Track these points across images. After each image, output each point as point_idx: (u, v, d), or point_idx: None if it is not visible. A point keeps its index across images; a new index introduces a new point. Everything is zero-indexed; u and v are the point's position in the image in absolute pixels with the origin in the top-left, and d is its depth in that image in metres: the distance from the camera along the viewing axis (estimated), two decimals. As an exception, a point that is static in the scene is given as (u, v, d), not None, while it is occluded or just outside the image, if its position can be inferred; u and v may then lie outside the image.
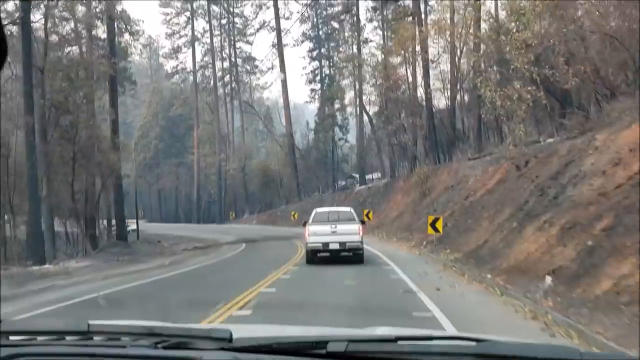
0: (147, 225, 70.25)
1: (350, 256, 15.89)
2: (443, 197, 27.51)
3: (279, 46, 58.88)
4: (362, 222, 17.76)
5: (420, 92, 40.05)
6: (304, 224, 17.38)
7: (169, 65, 76.68)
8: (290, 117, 58.17)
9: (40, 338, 1.62)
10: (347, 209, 19.25)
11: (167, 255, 28.04)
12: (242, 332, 1.68)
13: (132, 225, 58.36)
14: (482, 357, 1.36)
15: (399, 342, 1.52)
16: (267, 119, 73.04)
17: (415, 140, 40.37)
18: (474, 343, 1.47)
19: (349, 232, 15.77)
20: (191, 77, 73.85)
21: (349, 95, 55.66)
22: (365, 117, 52.06)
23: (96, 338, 1.60)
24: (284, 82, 58.20)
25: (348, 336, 1.60)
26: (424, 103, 38.21)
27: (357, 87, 52.76)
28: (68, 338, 1.61)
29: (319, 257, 16.21)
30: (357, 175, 59.00)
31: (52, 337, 1.62)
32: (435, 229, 19.41)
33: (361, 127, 55.86)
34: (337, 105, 58.92)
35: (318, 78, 66.63)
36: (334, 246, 15.56)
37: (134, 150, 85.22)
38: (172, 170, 79.30)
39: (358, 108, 54.74)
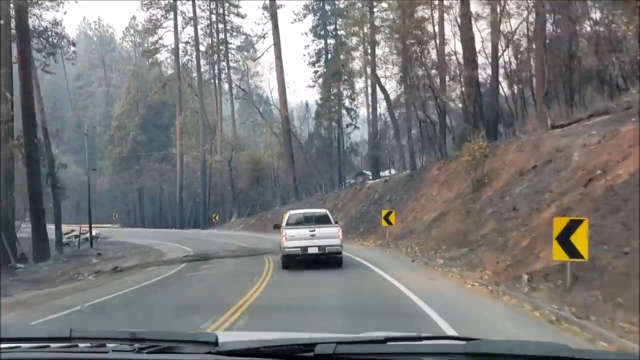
0: (119, 231, 59.57)
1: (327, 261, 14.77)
2: (520, 186, 15.84)
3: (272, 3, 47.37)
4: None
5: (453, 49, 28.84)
6: (275, 227, 17.99)
7: (148, 42, 65.37)
8: (285, 93, 46.64)
9: (24, 345, 1.58)
10: (323, 210, 18.31)
11: (65, 281, 17.87)
12: (229, 337, 1.64)
13: (93, 230, 46.25)
14: (472, 356, 1.31)
15: (388, 343, 1.48)
16: (260, 104, 61.45)
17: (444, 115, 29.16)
18: (463, 342, 1.42)
19: (329, 236, 14.79)
20: (173, 56, 62.51)
21: (359, 65, 44.10)
22: (380, 96, 40.67)
23: (80, 345, 1.57)
24: (277, 45, 46.70)
25: (336, 339, 1.53)
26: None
27: (369, 55, 41.25)
28: (52, 345, 1.57)
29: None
30: (369, 173, 47.48)
31: (36, 345, 1.58)
32: (571, 250, 7.86)
33: (374, 106, 44.26)
34: (344, 98, 47.52)
35: (323, 60, 54.86)
36: (313, 250, 14.52)
37: (110, 144, 74.79)
38: (153, 167, 68.07)
39: (370, 82, 43.16)
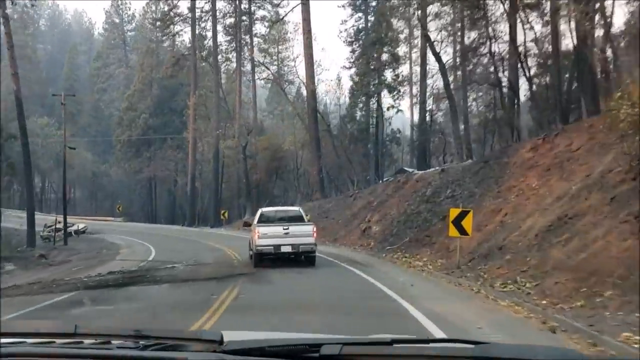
0: (120, 225, 51.74)
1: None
2: None
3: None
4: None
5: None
6: (245, 225, 17.33)
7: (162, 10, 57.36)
8: (313, 64, 37.53)
9: (29, 340, 1.58)
10: (296, 208, 18.15)
11: None
12: (233, 336, 1.62)
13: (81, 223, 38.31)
14: None
15: (395, 345, 1.47)
16: (285, 84, 52.46)
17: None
18: (471, 346, 1.42)
19: (303, 234, 14.55)
20: (189, 29, 54.22)
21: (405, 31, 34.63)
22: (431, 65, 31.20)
23: (85, 341, 1.57)
24: (306, 4, 37.63)
25: (342, 339, 1.52)
26: None
27: (418, 14, 31.72)
28: (57, 341, 1.58)
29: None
30: (411, 170, 38.01)
31: (41, 340, 1.59)
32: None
33: (424, 74, 34.73)
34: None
35: (362, 36, 45.29)
36: (286, 249, 14.33)
37: (119, 127, 67.18)
38: (166, 155, 60.01)
39: (420, 45, 33.69)
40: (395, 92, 41.96)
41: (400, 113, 43.14)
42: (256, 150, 44.47)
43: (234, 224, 42.05)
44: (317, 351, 1.41)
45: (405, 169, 41.47)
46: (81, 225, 41.57)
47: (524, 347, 1.46)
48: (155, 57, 63.45)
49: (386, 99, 42.45)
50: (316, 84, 39.43)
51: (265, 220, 15.46)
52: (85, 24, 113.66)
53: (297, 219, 15.68)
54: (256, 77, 54.11)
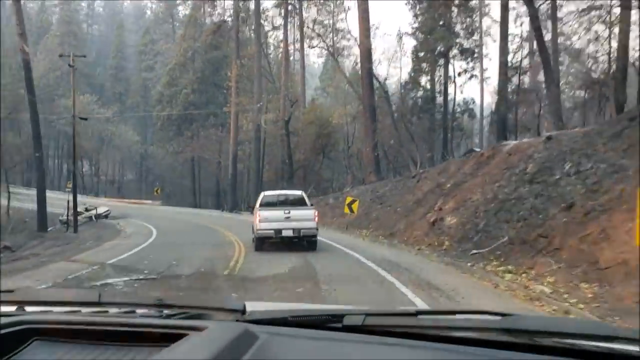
0: (155, 209, 47.01)
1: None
2: None
3: None
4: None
5: None
6: (249, 207, 17.91)
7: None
8: (368, 17, 30.66)
9: (56, 309, 1.60)
10: (298, 192, 17.01)
11: None
12: (256, 306, 1.61)
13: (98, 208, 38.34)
14: (508, 332, 1.25)
15: (419, 317, 1.44)
16: (339, 53, 45.64)
17: None
18: (498, 317, 1.39)
19: (304, 218, 14.35)
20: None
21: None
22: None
23: (109, 310, 1.59)
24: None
25: (365, 311, 1.49)
26: None
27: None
28: (82, 309, 1.60)
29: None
30: (478, 149, 30.63)
31: (67, 309, 1.61)
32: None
33: (504, 34, 27.20)
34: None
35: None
36: (287, 233, 14.20)
37: (159, 103, 62.41)
38: (209, 134, 54.74)
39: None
40: (468, 53, 34.45)
41: (474, 79, 35.50)
42: (301, 125, 38.09)
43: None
44: (340, 321, 1.40)
45: (476, 149, 34.16)
46: (103, 209, 36.75)
47: (553, 319, 1.15)
48: (199, 27, 58.20)
49: (457, 62, 34.99)
50: (372, 41, 32.42)
51: (267, 203, 15.18)
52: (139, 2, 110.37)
53: (299, 203, 15.38)
54: (305, 46, 47.76)
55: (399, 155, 36.71)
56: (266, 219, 14.20)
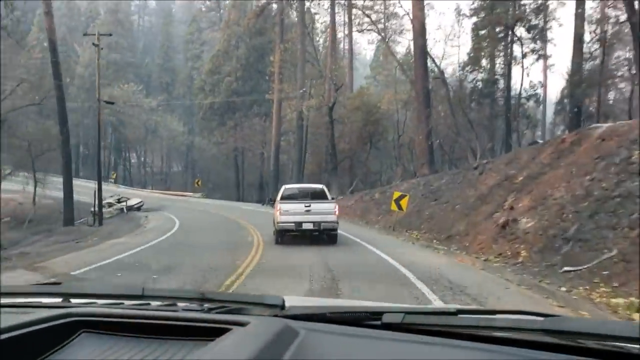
0: (195, 202, 44.88)
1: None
2: None
3: None
4: None
5: None
6: (269, 201, 17.14)
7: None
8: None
9: (100, 301, 1.64)
10: (319, 186, 16.86)
11: None
12: (296, 302, 1.63)
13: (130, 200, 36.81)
14: (550, 333, 1.23)
15: (460, 316, 1.42)
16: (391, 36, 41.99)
17: None
18: (541, 318, 1.35)
19: (325, 212, 14.25)
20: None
21: None
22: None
23: (152, 303, 1.63)
24: None
25: (404, 309, 1.50)
26: None
27: None
28: (125, 302, 1.64)
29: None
30: (541, 141, 26.47)
31: (111, 301, 1.64)
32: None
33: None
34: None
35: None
36: (307, 226, 14.17)
37: (201, 92, 60.18)
38: (253, 124, 52.29)
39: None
40: (537, 31, 30.22)
41: (539, 65, 31.17)
42: (347, 112, 34.83)
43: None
44: (379, 319, 1.40)
45: (538, 141, 29.97)
46: (135, 201, 34.82)
47: (597, 321, 1.42)
48: (243, 12, 55.70)
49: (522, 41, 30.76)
50: (427, 22, 28.73)
51: (288, 196, 15.15)
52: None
53: (320, 196, 15.24)
54: (354, 30, 44.35)
55: (455, 145, 32.95)
56: (287, 212, 14.15)
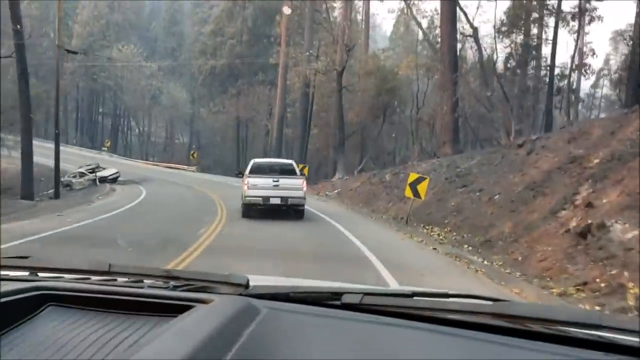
0: (183, 175, 40.47)
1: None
2: None
3: None
4: None
5: None
6: (239, 174, 16.60)
7: None
8: None
9: (67, 276, 1.65)
10: (289, 161, 17.04)
11: None
12: (258, 280, 1.64)
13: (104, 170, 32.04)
14: (499, 317, 1.29)
15: (415, 298, 1.49)
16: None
17: None
18: (490, 302, 1.43)
19: (292, 187, 14.27)
20: None
21: None
22: None
23: (119, 279, 1.64)
24: None
25: (363, 289, 1.55)
26: None
27: None
28: (92, 277, 1.65)
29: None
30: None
31: (78, 276, 1.66)
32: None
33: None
34: None
35: None
36: (275, 201, 14.10)
37: (202, 55, 55.03)
38: (256, 92, 47.51)
39: None
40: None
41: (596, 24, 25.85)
42: (358, 79, 29.90)
43: (316, 185, 28.25)
44: (339, 299, 1.44)
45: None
46: (110, 172, 30.48)
47: (545, 306, 1.50)
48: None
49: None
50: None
51: (256, 171, 14.94)
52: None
53: (289, 172, 15.11)
54: None
55: (483, 121, 28.06)
56: (255, 186, 14.07)
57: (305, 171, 28.85)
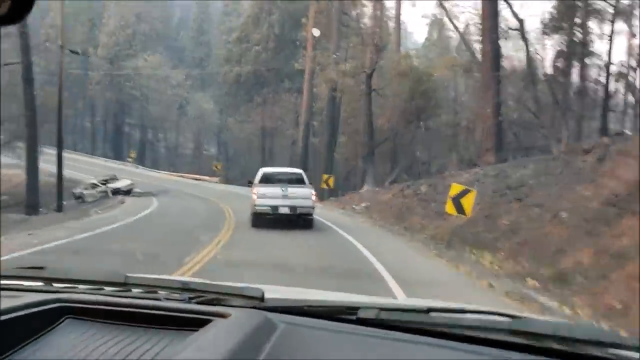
0: (203, 186, 38.59)
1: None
2: None
3: None
4: None
5: None
6: (249, 183, 15.87)
7: None
8: None
9: (81, 287, 1.64)
10: (298, 170, 17.04)
11: None
12: (274, 293, 1.63)
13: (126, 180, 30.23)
14: (517, 334, 1.27)
15: (431, 314, 1.45)
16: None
17: None
18: (509, 319, 1.40)
19: (301, 196, 14.15)
20: None
21: None
22: None
23: (134, 290, 1.63)
24: None
25: (379, 304, 1.55)
26: None
27: None
28: (107, 288, 1.63)
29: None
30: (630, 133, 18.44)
31: (92, 287, 1.65)
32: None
33: None
34: None
35: None
36: (284, 210, 13.98)
37: (227, 63, 53.26)
38: (282, 100, 45.54)
39: None
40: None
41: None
42: (389, 81, 27.48)
43: (342, 197, 25.80)
44: (354, 314, 1.42)
45: (626, 132, 21.92)
46: (124, 183, 28.76)
47: (562, 323, 1.45)
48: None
49: None
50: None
51: (265, 180, 14.85)
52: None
53: (298, 181, 14.94)
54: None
55: (526, 127, 25.30)
56: (263, 196, 13.92)
57: (331, 182, 26.50)
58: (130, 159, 55.60)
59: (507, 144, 26.96)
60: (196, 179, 44.80)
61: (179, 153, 73.14)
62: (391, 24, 47.03)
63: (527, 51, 21.44)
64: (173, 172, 53.76)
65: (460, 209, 11.27)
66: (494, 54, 20.18)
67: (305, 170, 36.76)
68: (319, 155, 40.94)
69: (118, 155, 61.27)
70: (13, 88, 27.83)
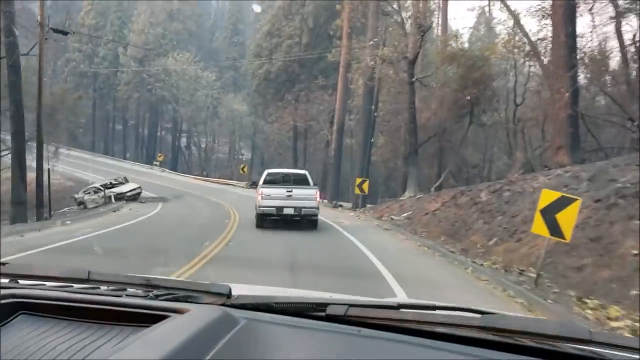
0: (225, 190, 35.11)
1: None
2: None
3: None
4: None
5: None
6: (253, 184, 16.48)
7: None
8: None
9: (48, 284, 1.62)
10: (302, 171, 16.83)
11: None
12: (242, 290, 1.61)
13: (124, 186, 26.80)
14: (487, 330, 1.26)
15: (401, 310, 1.44)
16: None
17: None
18: (478, 315, 1.38)
19: (306, 197, 14.22)
20: None
21: None
22: None
23: (100, 287, 1.60)
24: None
25: (348, 300, 1.51)
26: None
27: None
28: (74, 285, 1.61)
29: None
30: None
31: (58, 284, 1.62)
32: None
33: None
34: None
35: None
36: (288, 211, 14.07)
37: (257, 57, 49.61)
38: (315, 98, 41.88)
39: None
40: None
41: None
42: (435, 68, 23.39)
43: (379, 205, 21.82)
44: (323, 310, 1.40)
45: None
46: (129, 187, 25.63)
47: (533, 319, 1.42)
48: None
49: None
50: None
51: (270, 181, 15.00)
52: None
53: (302, 182, 15.11)
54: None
55: (602, 124, 20.86)
56: (268, 196, 13.94)
57: (365, 187, 22.54)
58: (156, 163, 53.14)
59: (588, 132, 22.63)
60: (221, 183, 41.64)
61: (213, 157, 70.37)
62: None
63: (618, 20, 17.03)
64: (205, 176, 50.90)
65: (555, 228, 7.27)
66: (568, 30, 15.94)
67: (338, 173, 33.15)
68: (355, 157, 37.12)
69: (150, 159, 58.94)
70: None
